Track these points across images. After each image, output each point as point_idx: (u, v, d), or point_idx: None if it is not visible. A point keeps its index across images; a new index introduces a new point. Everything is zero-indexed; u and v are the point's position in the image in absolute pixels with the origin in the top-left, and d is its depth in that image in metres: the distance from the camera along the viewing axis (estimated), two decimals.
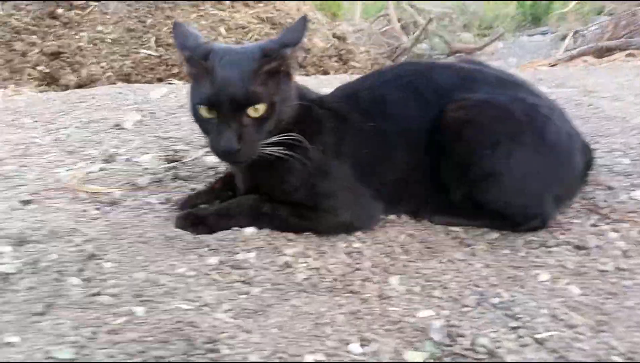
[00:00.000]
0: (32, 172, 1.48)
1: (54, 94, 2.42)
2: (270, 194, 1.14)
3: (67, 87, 3.53)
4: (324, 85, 2.60)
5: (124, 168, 1.46)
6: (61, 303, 0.94)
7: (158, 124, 1.84)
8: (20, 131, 1.86)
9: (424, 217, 1.22)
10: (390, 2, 5.67)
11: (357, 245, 1.11)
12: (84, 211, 1.24)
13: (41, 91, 3.43)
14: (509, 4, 5.59)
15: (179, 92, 2.21)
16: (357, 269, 1.05)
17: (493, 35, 5.42)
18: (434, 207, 1.22)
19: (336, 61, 4.41)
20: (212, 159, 1.40)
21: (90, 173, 1.42)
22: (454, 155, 1.15)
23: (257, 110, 1.03)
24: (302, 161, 1.09)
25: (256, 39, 4.24)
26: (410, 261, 1.08)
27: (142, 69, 4.03)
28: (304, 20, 1.11)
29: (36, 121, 1.95)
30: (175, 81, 3.01)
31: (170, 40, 4.07)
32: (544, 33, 5.49)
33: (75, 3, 4.36)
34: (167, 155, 1.47)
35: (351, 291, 1.00)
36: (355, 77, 3.42)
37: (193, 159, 1.42)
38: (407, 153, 1.18)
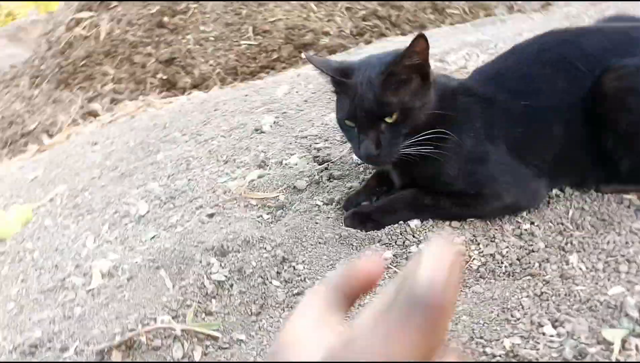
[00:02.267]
0: (200, 184, 1.68)
1: (188, 104, 2.66)
2: (429, 187, 1.21)
3: (184, 90, 3.85)
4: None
5: (279, 172, 1.60)
6: (271, 303, 1.09)
7: (292, 124, 1.97)
8: (174, 145, 2.09)
9: (590, 188, 1.21)
10: None
11: (526, 226, 1.14)
12: (260, 217, 1.39)
13: (164, 97, 3.76)
14: None
15: (299, 86, 2.32)
16: (532, 251, 1.08)
17: None
18: (600, 176, 1.20)
19: (431, 13, 4.27)
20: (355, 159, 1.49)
21: (252, 181, 1.58)
22: (619, 126, 1.12)
23: (391, 118, 1.12)
24: (454, 152, 1.14)
25: (347, 8, 4.26)
26: (586, 236, 1.09)
27: (246, 60, 4.24)
28: (420, 37, 1.11)
29: (184, 134, 2.17)
30: (290, 73, 3.13)
31: (267, 27, 4.21)
32: None
33: (177, 9, 4.66)
34: (315, 157, 1.58)
35: (531, 274, 1.03)
36: (458, 27, 3.29)
37: (340, 158, 1.51)
38: (563, 127, 1.17)
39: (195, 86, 3.97)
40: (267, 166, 1.68)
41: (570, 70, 1.16)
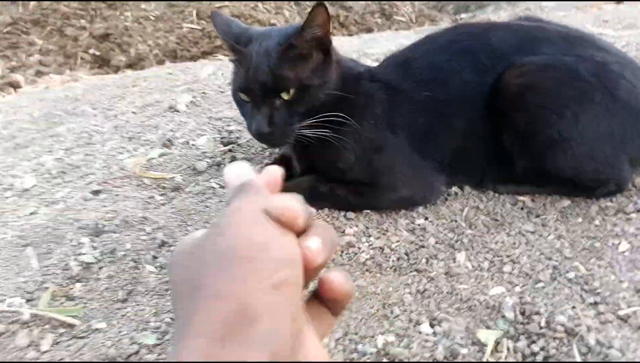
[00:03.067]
0: (97, 160, 1.53)
1: (108, 78, 2.48)
2: (326, 173, 1.13)
3: (118, 68, 3.62)
4: (368, 45, 2.52)
5: (183, 153, 1.48)
6: (140, 290, 0.98)
7: (210, 105, 1.85)
8: (81, 119, 1.92)
9: (488, 188, 1.17)
10: None
11: (420, 221, 1.09)
12: (150, 197, 1.27)
13: (94, 75, 3.52)
14: None
15: (226, 69, 2.20)
16: (422, 246, 1.03)
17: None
18: (498, 176, 1.16)
19: (379, 17, 4.26)
20: None
21: (151, 159, 1.45)
22: (517, 124, 1.09)
23: (288, 94, 1.02)
24: (352, 138, 1.06)
25: (295, 2, 4.18)
26: (476, 235, 1.05)
27: (187, 44, 4.06)
28: (320, 6, 1.00)
29: (95, 108, 2.00)
30: (221, 56, 3.00)
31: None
32: None
33: None
34: (223, 137, 1.47)
35: (417, 270, 0.98)
36: (401, 33, 3.29)
37: (248, 141, 1.41)
38: (465, 122, 1.13)
39: (129, 66, 3.74)
40: (173, 145, 1.56)
41: (476, 64, 1.11)
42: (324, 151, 1.09)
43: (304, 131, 1.03)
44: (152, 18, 4.23)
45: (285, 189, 1.12)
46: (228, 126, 1.61)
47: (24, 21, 4.14)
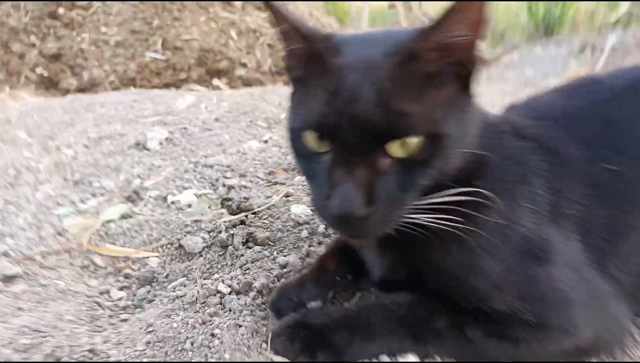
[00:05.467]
0: (21, 214, 0.95)
1: (55, 100, 1.88)
2: (443, 293, 0.59)
3: (67, 92, 3.02)
4: None
5: (160, 213, 0.93)
6: None
7: (193, 144, 1.31)
8: (10, 148, 1.32)
9: None
10: (399, 4, 5.22)
11: None
12: (103, 295, 0.71)
13: (39, 96, 2.88)
14: (520, 14, 5.18)
15: (209, 101, 1.68)
16: None
17: (507, 46, 5.01)
18: None
19: None
20: (303, 211, 0.84)
21: (108, 221, 0.89)
22: None
23: (407, 145, 0.51)
24: (498, 234, 0.57)
25: (268, 45, 3.75)
26: None
27: (148, 74, 3.52)
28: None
29: (32, 136, 1.41)
30: (199, 87, 2.48)
31: (179, 44, 3.54)
32: (558, 44, 5.07)
33: (77, 3, 3.81)
34: (226, 200, 0.92)
35: None
36: None
37: (269, 208, 0.87)
38: None
39: (81, 90, 3.12)
40: (141, 200, 1.00)
41: None
42: (445, 254, 0.58)
43: (417, 216, 0.53)
44: (112, 43, 3.65)
45: (363, 312, 0.39)
46: (226, 177, 1.08)
47: None
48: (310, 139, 0.54)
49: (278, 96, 1.75)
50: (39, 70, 3.33)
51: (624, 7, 3.96)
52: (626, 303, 0.61)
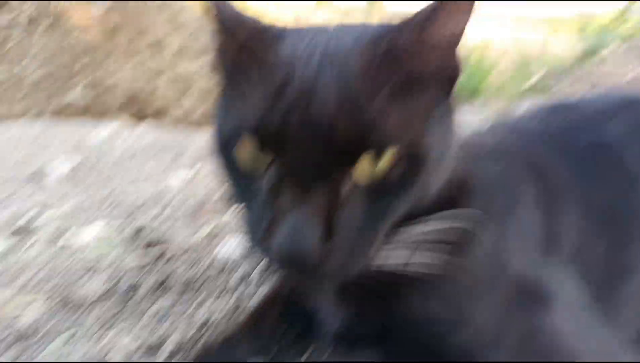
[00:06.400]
0: None
1: None
2: (421, 345, 0.46)
3: None
4: None
5: (50, 254, 0.74)
6: None
7: (104, 178, 1.13)
8: None
9: None
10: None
11: None
12: None
13: None
14: None
15: (127, 135, 1.51)
16: None
17: None
18: None
19: None
20: (234, 251, 0.69)
21: None
22: None
23: (379, 162, 0.39)
24: (488, 272, 0.46)
25: (205, 90, 3.65)
26: None
27: (67, 116, 3.25)
28: None
29: None
30: (123, 118, 2.26)
31: (104, 87, 3.33)
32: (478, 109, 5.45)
33: None
34: (133, 234, 0.75)
35: None
36: None
37: (191, 245, 0.71)
38: None
39: None
40: (32, 235, 0.80)
41: None
42: (426, 300, 0.46)
43: (391, 252, 0.41)
44: (29, 81, 3.36)
45: None
46: (142, 209, 0.90)
47: None
48: (247, 149, 0.40)
49: (208, 136, 1.62)
50: None
51: (535, 78, 4.39)
52: (633, 351, 0.52)
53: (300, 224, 0.36)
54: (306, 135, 0.37)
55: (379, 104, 0.38)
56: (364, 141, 0.37)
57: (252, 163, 0.40)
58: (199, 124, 3.44)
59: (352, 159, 0.38)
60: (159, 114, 3.25)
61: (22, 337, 0.54)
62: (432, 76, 0.42)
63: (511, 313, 0.46)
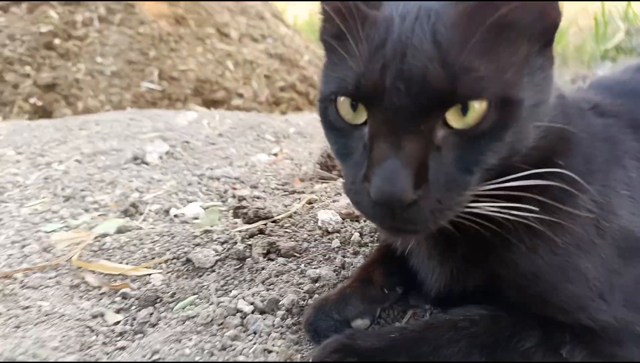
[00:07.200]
0: (3, 231, 0.81)
1: (46, 120, 1.76)
2: (526, 301, 0.46)
3: None
4: None
5: (161, 227, 0.80)
6: None
7: (196, 158, 1.19)
8: None
9: None
10: None
11: None
12: (97, 318, 0.57)
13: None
14: None
15: (212, 119, 1.58)
16: None
17: None
18: None
19: None
20: (332, 217, 0.72)
21: (102, 235, 0.76)
22: None
23: (471, 112, 0.39)
24: (591, 227, 0.45)
25: (265, 75, 3.69)
26: None
27: (144, 104, 3.43)
28: None
29: (20, 153, 1.28)
30: (197, 108, 2.38)
31: (175, 74, 3.48)
32: None
33: (74, 33, 3.75)
34: (238, 209, 0.78)
35: None
36: None
37: (291, 216, 0.74)
38: None
39: None
40: (139, 213, 0.87)
41: None
42: (531, 254, 0.45)
43: (482, 204, 0.41)
44: (108, 73, 3.58)
45: (426, 331, 0.32)
46: (235, 189, 0.96)
47: None
48: (345, 106, 0.43)
49: (282, 117, 1.65)
50: (32, 100, 3.23)
51: (612, 41, 4.02)
52: None
53: (392, 172, 0.38)
54: (400, 87, 0.39)
55: (468, 56, 0.38)
56: (453, 92, 0.38)
57: (349, 118, 0.43)
58: (267, 104, 3.52)
59: (442, 110, 0.39)
60: (227, 98, 3.35)
61: (152, 300, 0.60)
62: (528, 25, 0.41)
63: (621, 265, 0.45)
